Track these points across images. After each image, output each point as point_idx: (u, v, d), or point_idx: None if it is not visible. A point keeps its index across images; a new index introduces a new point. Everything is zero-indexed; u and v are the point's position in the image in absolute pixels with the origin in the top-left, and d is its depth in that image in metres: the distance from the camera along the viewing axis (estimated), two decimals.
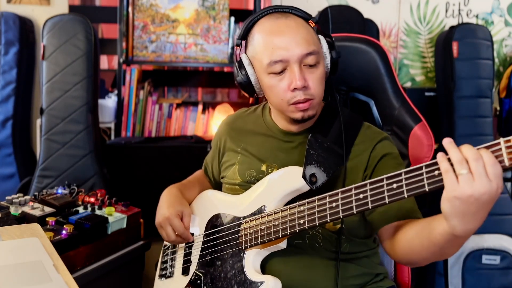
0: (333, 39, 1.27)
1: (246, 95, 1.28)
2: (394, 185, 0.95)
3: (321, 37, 1.24)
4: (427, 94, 2.82)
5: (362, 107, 1.51)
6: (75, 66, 2.36)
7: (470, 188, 0.86)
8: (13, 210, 1.57)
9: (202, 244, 1.30)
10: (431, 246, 1.02)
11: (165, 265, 1.40)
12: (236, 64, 1.26)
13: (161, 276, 1.39)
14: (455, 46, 2.60)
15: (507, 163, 0.84)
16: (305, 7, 1.24)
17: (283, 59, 1.17)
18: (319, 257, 1.20)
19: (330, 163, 1.18)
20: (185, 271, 1.31)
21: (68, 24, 2.38)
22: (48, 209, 1.62)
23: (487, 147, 0.86)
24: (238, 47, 1.27)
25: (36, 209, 1.60)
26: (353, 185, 1.01)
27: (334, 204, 1.04)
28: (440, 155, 0.89)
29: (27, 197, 1.69)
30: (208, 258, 1.26)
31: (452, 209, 0.89)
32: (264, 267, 1.20)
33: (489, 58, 2.62)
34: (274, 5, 1.23)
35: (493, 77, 2.63)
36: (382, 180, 0.97)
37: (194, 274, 1.28)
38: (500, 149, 0.85)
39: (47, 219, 1.55)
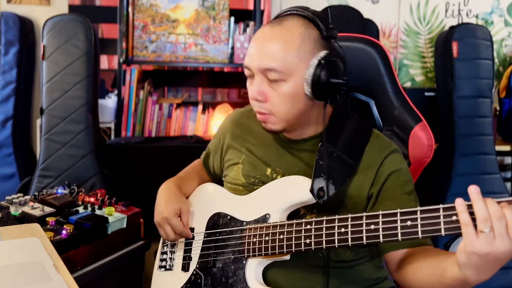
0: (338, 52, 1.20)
1: None
2: (409, 223, 0.93)
3: (316, 54, 1.14)
4: (427, 94, 2.83)
5: (362, 107, 1.51)
6: (75, 66, 2.36)
7: (490, 246, 0.85)
8: (13, 210, 1.57)
9: (203, 243, 1.29)
10: (441, 286, 1.01)
11: (164, 256, 1.38)
12: None
13: (160, 267, 1.38)
14: (455, 46, 2.60)
15: None
16: None
17: (248, 66, 1.18)
18: (321, 266, 1.19)
19: (339, 175, 1.16)
20: (185, 267, 1.30)
21: (68, 24, 2.38)
22: (48, 209, 1.62)
23: (509, 202, 0.85)
24: None
25: (36, 209, 1.60)
26: (365, 214, 0.99)
27: (343, 230, 1.01)
28: (460, 204, 0.87)
29: (27, 197, 1.69)
30: (209, 258, 1.26)
31: (468, 262, 0.89)
32: (265, 274, 1.19)
33: (488, 58, 2.62)
34: (299, 6, 1.18)
35: (493, 77, 2.64)
36: (395, 214, 0.95)
37: (195, 272, 1.27)
38: None
39: (47, 219, 1.55)
